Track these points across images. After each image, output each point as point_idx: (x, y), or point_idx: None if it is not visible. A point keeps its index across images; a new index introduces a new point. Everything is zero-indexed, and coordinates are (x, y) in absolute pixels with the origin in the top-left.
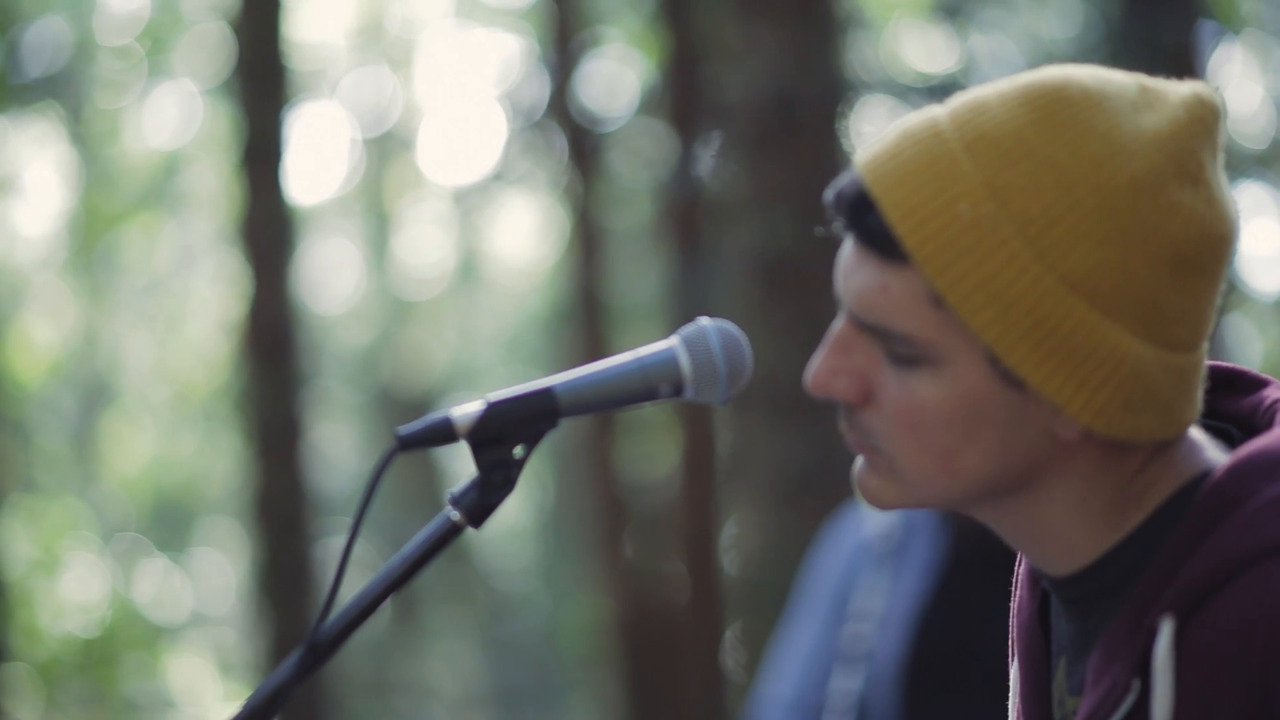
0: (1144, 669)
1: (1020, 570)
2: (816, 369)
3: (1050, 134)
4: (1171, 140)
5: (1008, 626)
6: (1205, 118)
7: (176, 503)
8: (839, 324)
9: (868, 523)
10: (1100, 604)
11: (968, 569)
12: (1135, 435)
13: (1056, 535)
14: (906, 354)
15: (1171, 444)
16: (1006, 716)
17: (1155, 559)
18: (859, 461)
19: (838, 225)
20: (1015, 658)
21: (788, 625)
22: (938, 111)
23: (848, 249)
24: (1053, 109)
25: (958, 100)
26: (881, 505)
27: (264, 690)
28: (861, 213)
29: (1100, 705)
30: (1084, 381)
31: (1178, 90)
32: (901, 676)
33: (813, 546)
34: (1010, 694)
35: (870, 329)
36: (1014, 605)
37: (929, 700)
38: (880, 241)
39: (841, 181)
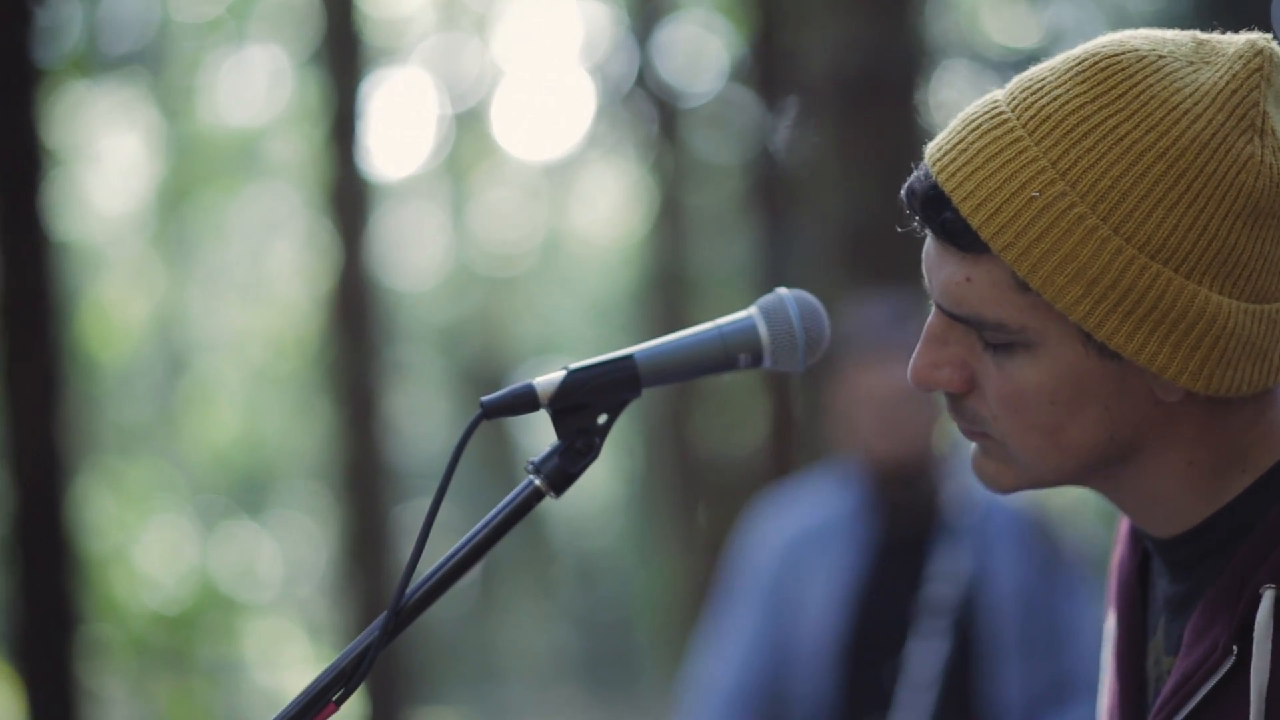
0: (1243, 636)
1: (1122, 527)
2: (916, 364)
3: (1110, 106)
4: (1232, 95)
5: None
6: (1263, 67)
7: (262, 471)
8: (932, 317)
9: (801, 508)
10: (1203, 567)
11: (898, 551)
12: (1236, 389)
13: (1164, 499)
14: (1001, 340)
15: (1277, 403)
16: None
17: (1260, 524)
18: (973, 448)
19: (915, 222)
20: (1113, 611)
21: (719, 615)
22: (998, 95)
23: (929, 245)
24: (1110, 80)
25: (1016, 82)
26: (1000, 488)
27: (348, 655)
28: (936, 209)
29: (1197, 668)
30: (1178, 345)
31: (1233, 42)
32: (839, 656)
33: (747, 528)
34: (1104, 646)
35: (962, 320)
36: (1114, 560)
37: (865, 679)
38: (958, 235)
39: (912, 178)
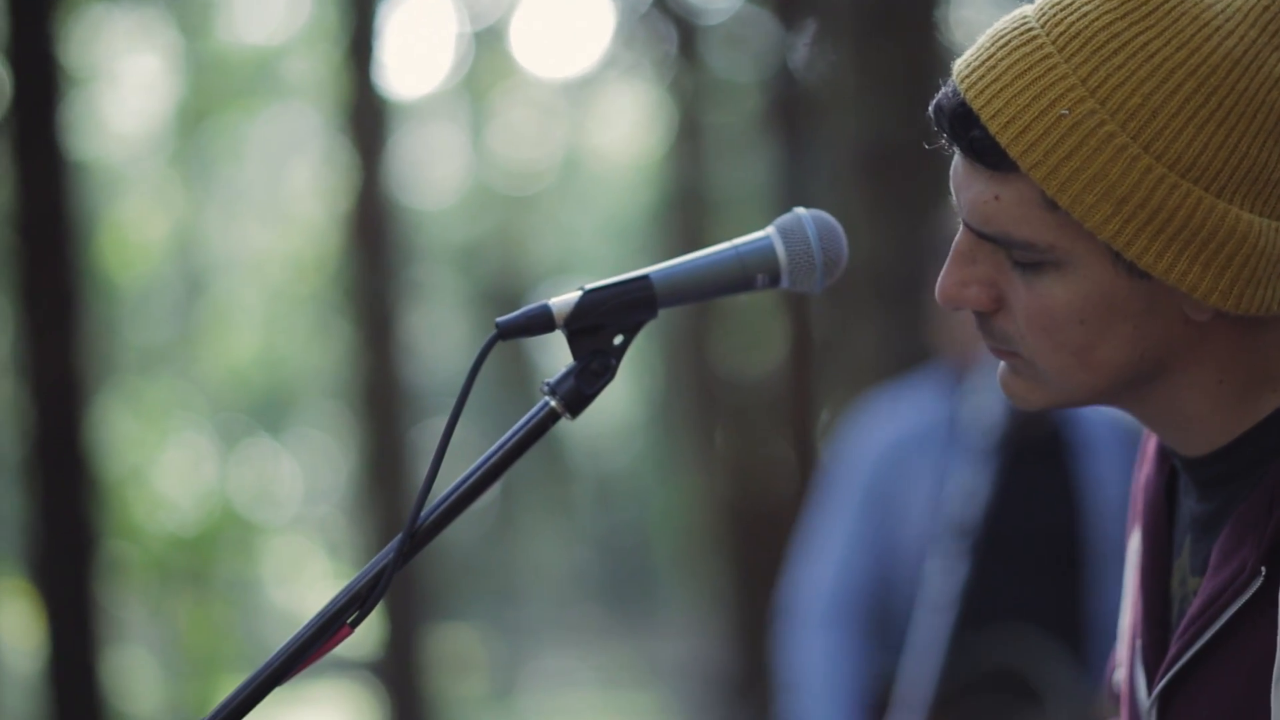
0: (1272, 556)
1: (1148, 444)
2: (944, 282)
3: (1140, 23)
4: (1264, 11)
5: (1054, 510)
6: None
7: (281, 391)
8: (960, 236)
9: (910, 413)
10: (1231, 487)
11: (1017, 459)
12: (1266, 308)
13: (1193, 418)
14: (1030, 259)
15: None
16: (1057, 596)
17: None
18: (1002, 366)
19: (942, 139)
20: (1138, 530)
21: (818, 520)
22: (1027, 11)
23: (956, 162)
24: None
25: None
26: (1028, 406)
27: (363, 577)
28: (965, 127)
29: (1224, 588)
30: (1208, 264)
31: None
32: (954, 564)
33: (845, 433)
34: (1127, 565)
35: (990, 238)
36: (1140, 478)
37: (979, 589)
38: (986, 154)
39: (940, 95)
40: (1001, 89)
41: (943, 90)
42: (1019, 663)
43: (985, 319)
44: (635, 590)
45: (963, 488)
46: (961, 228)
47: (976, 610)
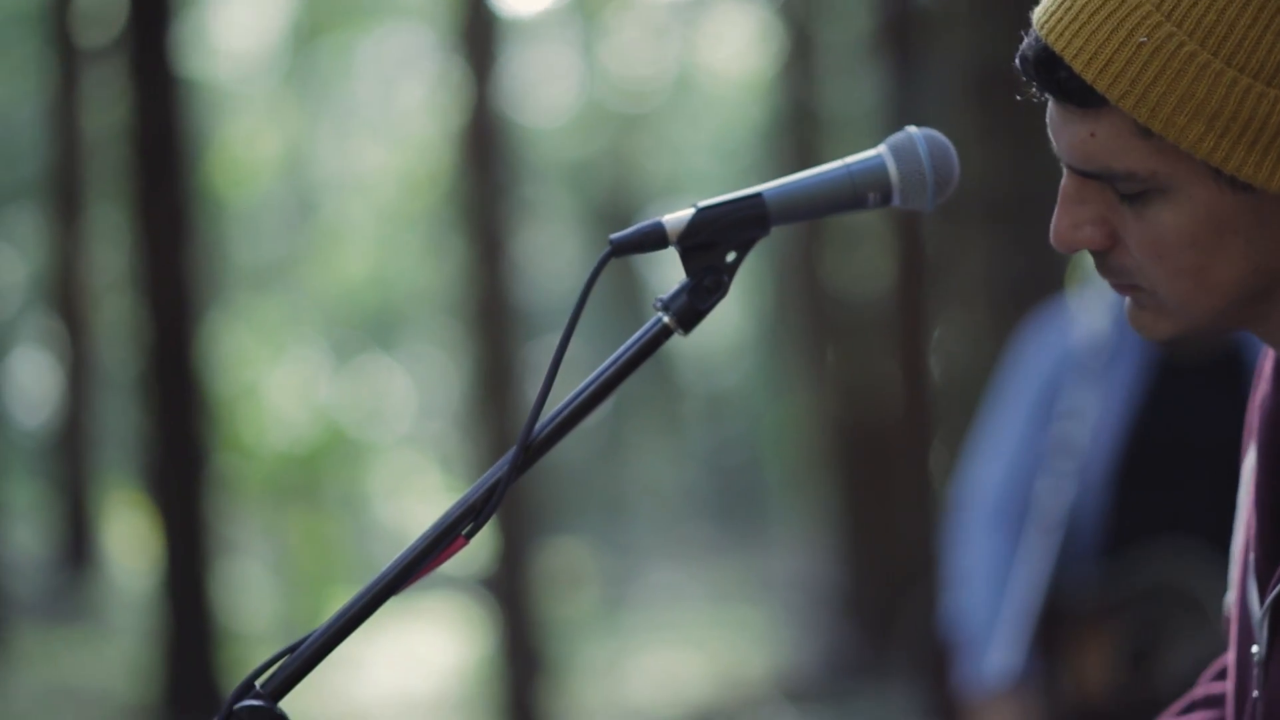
0: None
1: (1265, 364)
2: (1058, 227)
3: None
4: None
5: (1224, 426)
6: None
7: (392, 309)
8: (1065, 180)
9: (1076, 327)
10: None
11: (1182, 373)
12: None
13: None
14: (1135, 190)
15: None
16: (1221, 511)
17: None
18: (1128, 302)
19: (1032, 89)
20: (1254, 448)
21: (991, 420)
22: None
23: (1050, 109)
24: None
25: None
26: (1156, 337)
27: (478, 490)
28: (1051, 71)
29: None
30: None
31: None
32: (1115, 478)
33: (1014, 344)
34: (1242, 484)
35: (1094, 175)
36: (1255, 398)
37: (1141, 502)
38: (1075, 93)
39: (1024, 46)
40: (1080, 28)
41: (1025, 41)
42: (1182, 576)
43: (1103, 257)
44: (744, 507)
45: (1119, 403)
46: (1065, 172)
47: (1140, 524)
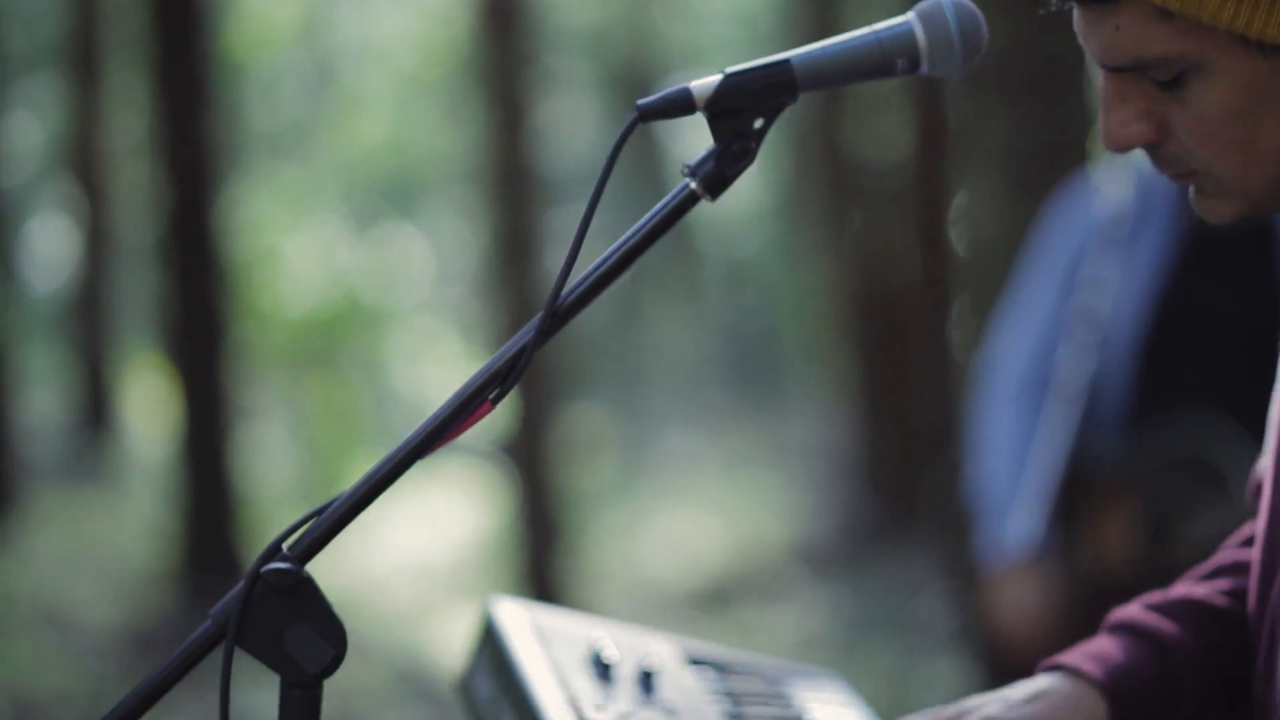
0: None
1: None
2: (1106, 129)
3: None
4: None
5: (1251, 297)
6: None
7: (411, 176)
8: (1104, 82)
9: (1100, 200)
10: None
11: (1206, 244)
12: None
13: None
14: (1170, 75)
15: None
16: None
17: None
18: (1191, 190)
19: (1053, 3)
20: None
21: (1017, 293)
22: None
23: (1075, 15)
24: None
25: None
26: (1222, 219)
27: (504, 355)
28: None
29: None
30: None
31: None
32: (1139, 349)
33: (1041, 219)
34: None
35: (1128, 69)
36: None
37: (1165, 373)
38: None
39: None
40: None
41: None
42: (1204, 448)
43: (1155, 150)
44: (762, 374)
45: (1143, 274)
46: (1102, 74)
47: (1163, 395)
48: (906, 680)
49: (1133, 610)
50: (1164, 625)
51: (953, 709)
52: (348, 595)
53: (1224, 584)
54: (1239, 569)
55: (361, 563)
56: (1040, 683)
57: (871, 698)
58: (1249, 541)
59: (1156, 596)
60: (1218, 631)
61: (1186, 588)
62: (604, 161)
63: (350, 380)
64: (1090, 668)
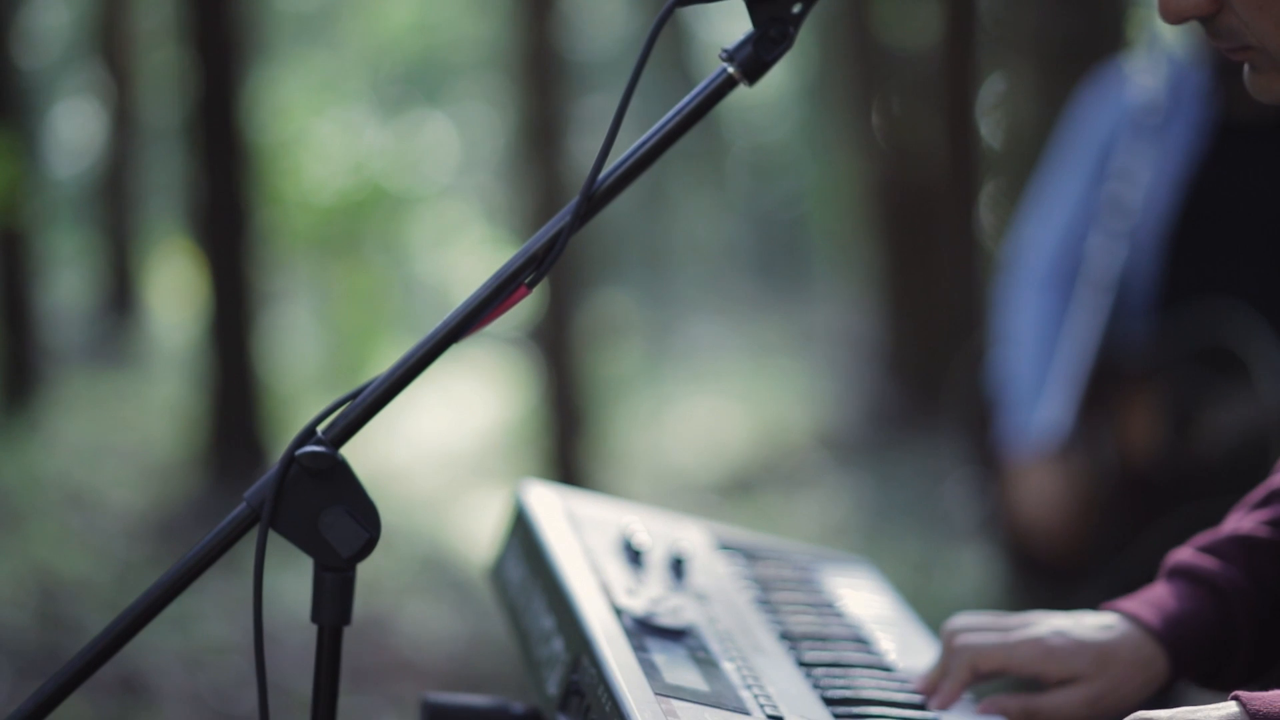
0: None
1: None
2: (1162, 2)
3: None
4: None
5: (1277, 192)
6: None
7: (437, 61)
8: None
9: (1132, 88)
10: None
11: (1238, 135)
12: None
13: None
14: None
15: None
16: (1275, 276)
17: None
18: (1245, 69)
19: None
20: None
21: (1047, 180)
22: None
23: None
24: None
25: None
26: (1277, 98)
27: (539, 240)
28: None
29: None
30: None
31: None
32: (1167, 238)
33: (1071, 106)
34: None
35: None
36: None
37: (1192, 263)
38: None
39: None
40: None
41: None
42: (1231, 339)
43: (1210, 23)
44: (788, 262)
45: (1174, 163)
46: None
47: (1191, 286)
48: (929, 568)
49: (1186, 554)
50: (1217, 568)
51: (1018, 618)
52: (373, 484)
53: (1269, 513)
54: None
55: (385, 451)
56: (1107, 618)
57: (895, 584)
58: None
59: (1208, 536)
60: (1270, 565)
61: (1236, 522)
62: (641, 45)
63: (375, 266)
64: (1149, 616)
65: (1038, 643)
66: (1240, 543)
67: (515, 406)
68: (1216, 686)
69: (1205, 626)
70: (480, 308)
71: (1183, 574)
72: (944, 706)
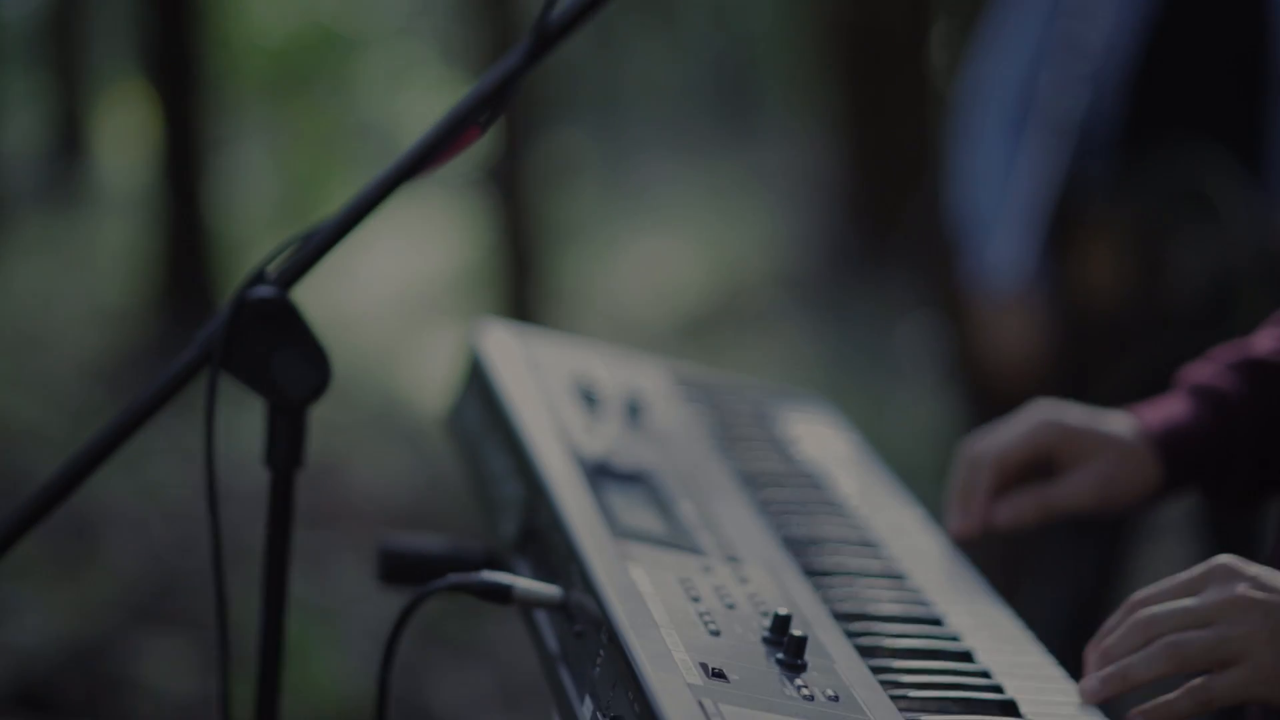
0: None
1: None
2: None
3: None
4: None
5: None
6: None
7: None
8: None
9: None
10: None
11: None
12: None
13: None
14: None
15: None
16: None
17: None
18: None
19: None
20: None
21: (998, 19)
22: None
23: None
24: None
25: None
26: None
27: (493, 78)
28: None
29: None
30: None
31: None
32: (1129, 77)
33: None
34: None
35: None
36: None
37: (1155, 102)
38: None
39: None
40: None
41: None
42: (1197, 178)
43: None
44: (742, 102)
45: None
46: None
47: (1156, 124)
48: (884, 405)
49: (1198, 369)
50: (1223, 383)
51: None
52: (326, 330)
53: None
54: None
55: (339, 298)
56: (1124, 417)
57: (851, 422)
58: None
59: (1226, 353)
60: (1276, 387)
61: (1259, 340)
62: None
63: (327, 109)
64: (1151, 419)
65: (1056, 424)
66: (1250, 364)
67: (468, 250)
68: (1221, 498)
69: (1204, 437)
70: (432, 148)
71: (1191, 388)
72: (983, 521)
